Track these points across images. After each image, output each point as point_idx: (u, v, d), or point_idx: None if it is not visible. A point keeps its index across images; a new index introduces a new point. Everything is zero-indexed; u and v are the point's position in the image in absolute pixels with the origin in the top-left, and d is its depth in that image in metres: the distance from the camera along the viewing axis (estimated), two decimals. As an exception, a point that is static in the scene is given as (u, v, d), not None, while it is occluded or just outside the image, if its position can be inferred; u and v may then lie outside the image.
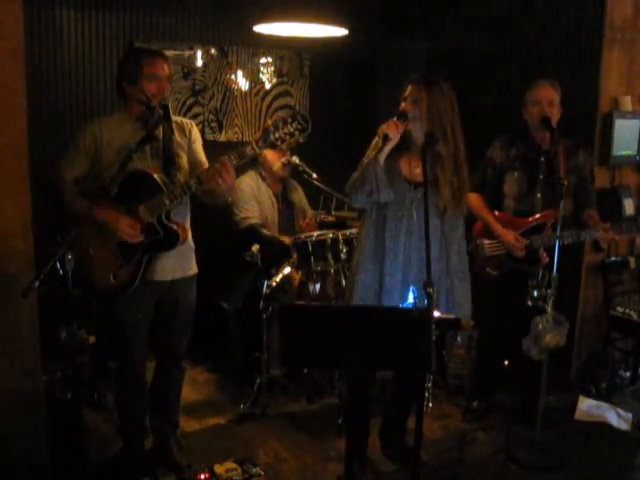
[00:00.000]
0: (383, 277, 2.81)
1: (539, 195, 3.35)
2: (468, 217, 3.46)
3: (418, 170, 2.80)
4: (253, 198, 3.90)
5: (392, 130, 2.66)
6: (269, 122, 2.50)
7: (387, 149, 2.68)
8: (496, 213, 3.46)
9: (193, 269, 2.96)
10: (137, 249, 2.66)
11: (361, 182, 2.70)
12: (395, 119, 2.70)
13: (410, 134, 2.77)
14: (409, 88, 2.77)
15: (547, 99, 3.30)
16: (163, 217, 2.65)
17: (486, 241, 3.48)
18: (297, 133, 2.46)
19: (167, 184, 2.64)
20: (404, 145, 2.78)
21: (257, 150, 2.51)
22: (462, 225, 2.93)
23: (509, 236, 3.35)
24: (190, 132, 2.86)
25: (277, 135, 2.45)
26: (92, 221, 2.60)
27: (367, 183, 2.68)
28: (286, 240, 3.76)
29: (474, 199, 3.49)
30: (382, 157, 2.68)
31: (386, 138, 2.65)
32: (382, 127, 2.68)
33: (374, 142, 2.74)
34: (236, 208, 3.86)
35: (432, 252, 2.77)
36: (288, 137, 2.46)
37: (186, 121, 2.91)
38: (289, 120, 2.45)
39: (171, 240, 2.70)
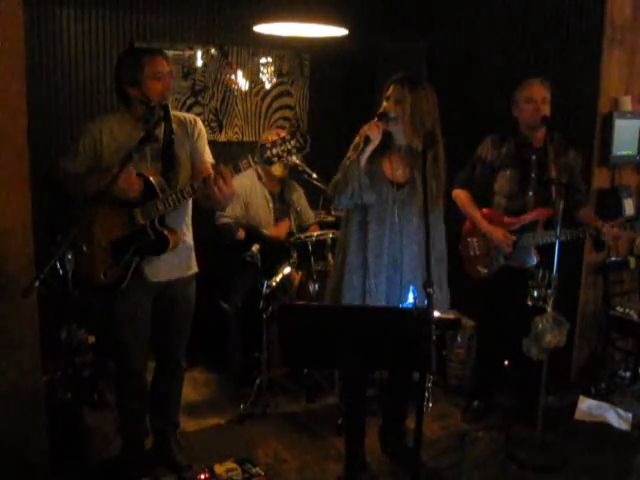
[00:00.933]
0: (367, 278, 2.81)
1: (531, 193, 3.35)
2: (457, 216, 3.48)
3: (400, 171, 2.82)
4: (239, 198, 3.90)
5: (374, 131, 2.65)
6: (269, 138, 2.50)
7: (369, 150, 2.67)
8: (484, 210, 3.46)
9: (192, 269, 2.95)
10: (127, 250, 2.67)
11: (344, 185, 2.68)
12: (376, 120, 2.69)
13: (391, 135, 2.76)
14: (392, 88, 2.75)
15: (540, 97, 3.31)
16: (156, 222, 2.66)
17: (475, 239, 3.49)
18: (294, 151, 2.46)
19: (164, 189, 2.64)
20: (385, 146, 2.77)
21: (252, 165, 2.51)
22: (442, 224, 2.92)
23: (498, 232, 3.36)
24: (194, 129, 2.84)
25: (274, 152, 2.46)
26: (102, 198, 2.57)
27: (349, 186, 2.66)
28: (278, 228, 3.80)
29: (462, 196, 3.51)
30: (364, 159, 2.66)
31: (368, 140, 2.64)
32: (364, 128, 2.67)
33: (354, 143, 2.73)
34: None
35: (414, 252, 2.79)
36: (285, 154, 2.46)
37: (190, 117, 2.88)
38: (288, 137, 2.45)
39: (160, 245, 2.70)
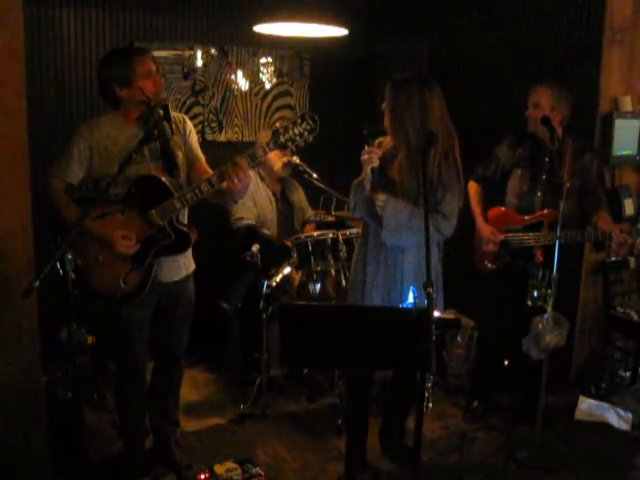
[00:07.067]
0: (366, 278, 2.87)
1: (539, 194, 3.37)
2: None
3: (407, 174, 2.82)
4: (250, 198, 3.88)
5: (374, 159, 2.69)
6: (277, 124, 2.52)
7: (374, 172, 2.71)
8: (499, 208, 3.51)
9: (193, 266, 2.97)
10: (148, 254, 2.65)
11: (353, 206, 2.84)
12: (367, 147, 2.72)
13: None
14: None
15: (532, 102, 3.38)
16: (174, 220, 2.65)
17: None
18: (306, 133, 2.49)
19: (176, 187, 2.64)
20: (397, 147, 2.79)
21: (268, 152, 2.53)
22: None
23: (486, 230, 3.46)
24: (184, 128, 2.83)
25: (287, 136, 2.47)
26: (87, 232, 2.58)
27: (357, 208, 2.82)
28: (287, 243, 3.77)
29: (471, 190, 3.58)
30: (368, 182, 2.72)
31: (373, 170, 2.68)
32: (365, 160, 2.69)
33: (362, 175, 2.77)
34: (232, 208, 3.86)
35: (417, 252, 2.81)
36: (298, 138, 2.48)
37: (178, 116, 2.86)
38: (298, 121, 2.48)
39: (183, 243, 2.70)
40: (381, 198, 2.73)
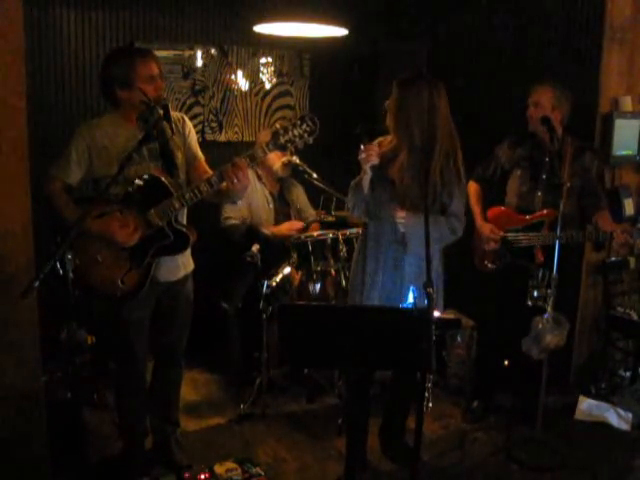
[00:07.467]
0: (365, 278, 2.87)
1: (540, 194, 3.38)
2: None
3: (407, 174, 2.81)
4: (243, 199, 3.88)
5: (373, 157, 2.68)
6: (278, 125, 2.53)
7: (373, 171, 2.71)
8: (500, 208, 3.51)
9: (192, 265, 2.97)
10: (147, 253, 2.65)
11: (352, 205, 2.83)
12: (365, 145, 2.70)
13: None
14: None
15: (532, 100, 3.38)
16: (173, 220, 2.65)
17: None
18: (306, 135, 2.50)
19: (175, 187, 2.64)
20: (397, 147, 2.80)
21: (268, 152, 2.54)
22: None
23: (486, 228, 3.46)
24: (184, 127, 2.83)
25: (287, 138, 2.48)
26: (86, 232, 2.57)
27: (356, 208, 2.82)
28: (282, 229, 3.80)
29: (471, 189, 3.58)
30: (367, 181, 2.73)
31: (373, 167, 2.68)
32: (363, 159, 2.68)
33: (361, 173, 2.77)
34: (222, 207, 3.87)
35: (418, 252, 2.81)
36: (297, 139, 2.49)
37: (178, 115, 2.86)
38: (298, 122, 2.49)
39: (181, 243, 2.70)
40: (401, 215, 2.76)
